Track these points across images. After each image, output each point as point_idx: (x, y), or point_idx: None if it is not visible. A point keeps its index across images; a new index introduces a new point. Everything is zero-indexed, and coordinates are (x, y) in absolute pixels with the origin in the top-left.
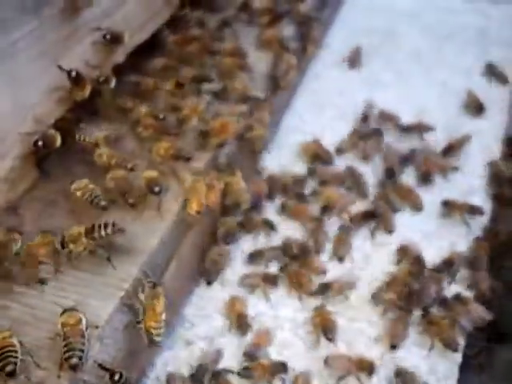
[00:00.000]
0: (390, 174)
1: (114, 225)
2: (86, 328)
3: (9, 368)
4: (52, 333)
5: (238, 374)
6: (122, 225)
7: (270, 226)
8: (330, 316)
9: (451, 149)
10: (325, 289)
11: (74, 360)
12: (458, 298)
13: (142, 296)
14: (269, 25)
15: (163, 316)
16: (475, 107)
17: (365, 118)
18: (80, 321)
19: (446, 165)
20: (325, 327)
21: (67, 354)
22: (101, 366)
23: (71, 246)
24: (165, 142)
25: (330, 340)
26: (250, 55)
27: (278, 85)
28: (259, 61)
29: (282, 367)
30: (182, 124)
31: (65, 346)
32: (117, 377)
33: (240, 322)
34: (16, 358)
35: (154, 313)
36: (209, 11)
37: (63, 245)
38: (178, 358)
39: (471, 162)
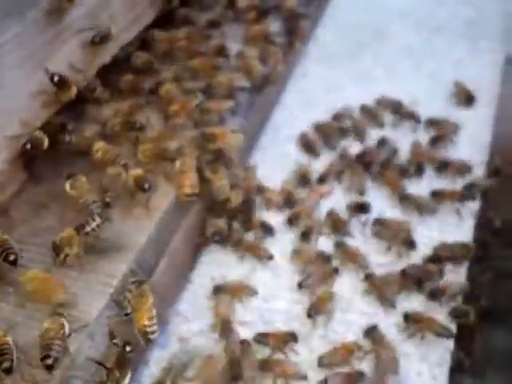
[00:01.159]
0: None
1: (100, 216)
2: (69, 332)
3: (6, 364)
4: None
5: (254, 339)
6: (109, 223)
7: (268, 230)
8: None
9: (439, 139)
10: None
11: (49, 361)
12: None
13: (129, 295)
14: (255, 21)
15: (154, 312)
16: (465, 98)
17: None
18: (61, 325)
19: (435, 156)
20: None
21: (42, 355)
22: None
23: (66, 249)
24: (149, 143)
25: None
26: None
27: (266, 79)
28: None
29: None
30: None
31: (41, 348)
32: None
33: (224, 327)
34: (12, 354)
35: (144, 311)
36: (197, 10)
37: (57, 250)
38: (171, 354)
39: (460, 154)
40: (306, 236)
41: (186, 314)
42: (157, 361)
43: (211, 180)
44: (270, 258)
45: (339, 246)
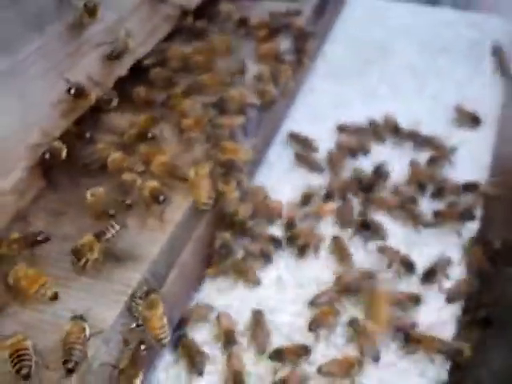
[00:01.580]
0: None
1: (118, 223)
2: (89, 336)
3: (24, 371)
4: (60, 336)
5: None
6: (125, 233)
7: (277, 243)
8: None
9: (436, 159)
10: None
11: (70, 365)
12: None
13: (139, 307)
14: (266, 39)
15: (165, 320)
16: (471, 119)
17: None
18: (83, 329)
19: (431, 175)
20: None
21: (64, 359)
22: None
23: (88, 254)
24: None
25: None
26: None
27: (276, 98)
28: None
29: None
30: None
31: (63, 352)
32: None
33: (228, 338)
34: (30, 360)
35: (155, 321)
36: (210, 23)
37: (78, 255)
38: (178, 361)
39: (460, 174)
40: (302, 251)
41: (192, 324)
42: (164, 367)
43: (224, 192)
44: (258, 283)
45: None
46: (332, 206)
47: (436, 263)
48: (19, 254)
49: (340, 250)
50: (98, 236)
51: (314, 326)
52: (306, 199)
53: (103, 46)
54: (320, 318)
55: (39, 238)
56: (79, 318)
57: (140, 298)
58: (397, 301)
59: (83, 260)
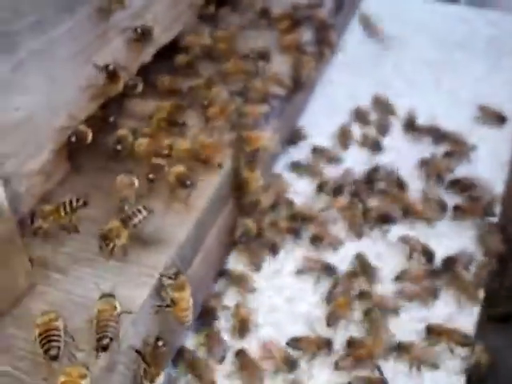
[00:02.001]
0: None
1: (144, 208)
2: (119, 314)
3: (52, 352)
4: (88, 317)
5: (287, 343)
6: (152, 219)
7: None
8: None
9: (453, 154)
10: None
11: (105, 341)
12: None
13: (168, 286)
14: (288, 30)
15: (191, 302)
16: (496, 118)
17: None
18: (114, 307)
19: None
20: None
21: (99, 335)
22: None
23: (115, 240)
24: (185, 142)
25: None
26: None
27: (299, 85)
28: (281, 64)
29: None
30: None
31: (98, 328)
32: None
33: (242, 327)
34: (59, 341)
35: (183, 302)
36: (233, 12)
37: (107, 240)
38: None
39: (479, 171)
40: (315, 241)
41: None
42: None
43: (247, 179)
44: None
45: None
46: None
47: (457, 254)
48: (55, 226)
49: (364, 267)
50: (125, 221)
51: (331, 320)
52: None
53: (128, 30)
54: (337, 311)
55: (79, 204)
56: (109, 296)
57: (170, 277)
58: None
59: (110, 245)
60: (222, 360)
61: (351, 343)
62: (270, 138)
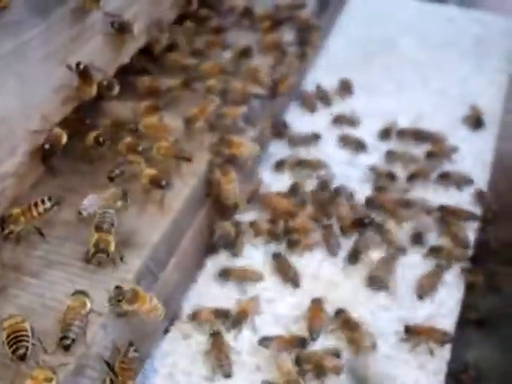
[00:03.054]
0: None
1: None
2: (88, 312)
3: (20, 351)
4: (58, 320)
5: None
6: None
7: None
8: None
9: (433, 155)
10: None
11: (67, 341)
12: None
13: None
14: (269, 30)
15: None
16: (474, 120)
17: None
18: (84, 304)
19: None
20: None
21: (62, 334)
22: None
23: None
24: (165, 141)
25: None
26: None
27: (277, 88)
28: (261, 65)
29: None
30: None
31: (62, 327)
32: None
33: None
34: (27, 342)
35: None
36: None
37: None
38: (175, 350)
39: (462, 171)
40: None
41: (190, 313)
42: (162, 356)
43: (220, 181)
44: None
45: None
46: None
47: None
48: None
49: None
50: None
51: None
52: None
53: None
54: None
55: (52, 201)
56: (81, 293)
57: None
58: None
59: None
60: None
61: None
62: (250, 146)
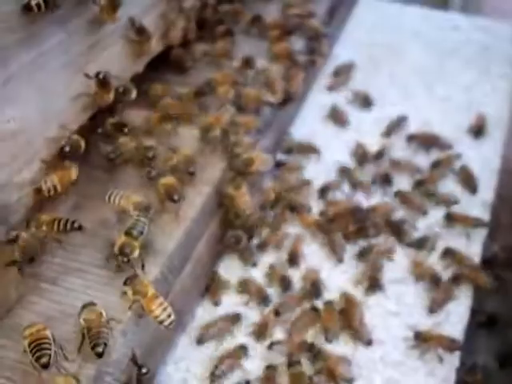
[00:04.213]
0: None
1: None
2: (107, 321)
3: (44, 360)
4: (77, 327)
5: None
6: None
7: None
8: None
9: (439, 164)
10: None
11: (101, 348)
12: None
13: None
14: (279, 39)
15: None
16: (476, 129)
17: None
18: (101, 314)
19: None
20: None
21: (93, 343)
22: (132, 360)
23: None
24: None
25: None
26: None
27: (288, 96)
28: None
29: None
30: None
31: (91, 336)
32: (144, 370)
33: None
34: (50, 349)
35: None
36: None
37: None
38: (188, 356)
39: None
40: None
41: (203, 318)
42: (174, 361)
43: (233, 196)
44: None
45: None
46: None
47: None
48: (45, 238)
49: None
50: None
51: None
52: None
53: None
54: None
55: (75, 225)
56: (91, 305)
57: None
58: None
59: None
60: None
61: None
62: (264, 159)
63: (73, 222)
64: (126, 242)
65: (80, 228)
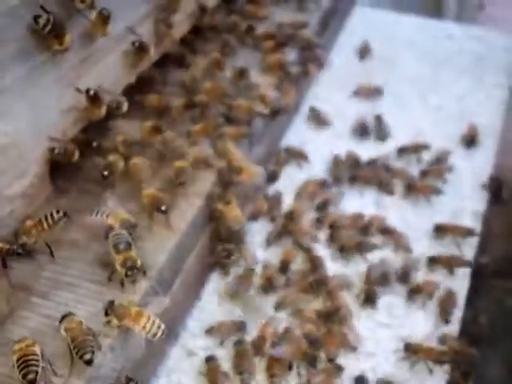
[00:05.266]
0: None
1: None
2: (89, 328)
3: (30, 376)
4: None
5: None
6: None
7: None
8: None
9: (429, 173)
10: None
11: (89, 355)
12: None
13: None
14: (273, 50)
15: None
16: (468, 139)
17: None
18: (81, 323)
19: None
20: None
21: (81, 352)
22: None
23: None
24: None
25: None
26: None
27: (280, 109)
28: (263, 84)
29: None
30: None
31: (76, 345)
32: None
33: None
34: (37, 366)
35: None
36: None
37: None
38: (179, 368)
39: (460, 186)
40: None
41: (194, 330)
42: (166, 373)
43: (222, 211)
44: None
45: None
46: None
47: None
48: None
49: None
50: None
51: None
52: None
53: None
54: None
55: (60, 213)
56: (68, 316)
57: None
58: None
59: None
60: None
61: None
62: (256, 172)
63: (57, 212)
64: (124, 258)
65: (65, 214)
